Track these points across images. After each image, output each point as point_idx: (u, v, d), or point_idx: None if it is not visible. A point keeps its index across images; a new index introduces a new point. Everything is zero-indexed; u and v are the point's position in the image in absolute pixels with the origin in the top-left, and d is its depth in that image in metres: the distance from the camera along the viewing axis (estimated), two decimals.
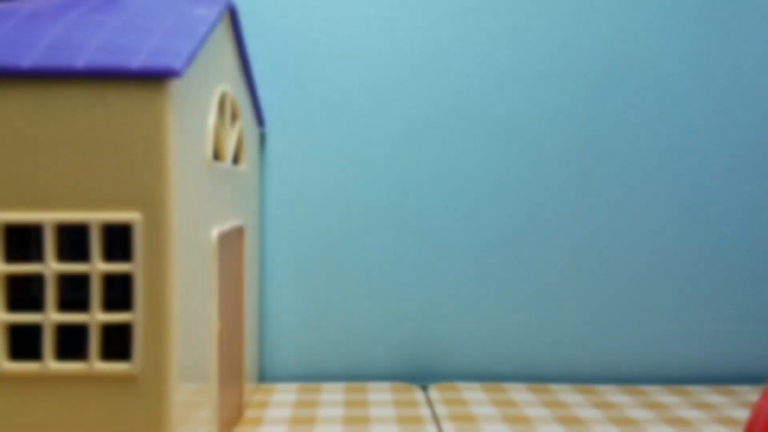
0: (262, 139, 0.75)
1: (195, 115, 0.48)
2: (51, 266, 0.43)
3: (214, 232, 0.51)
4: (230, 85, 0.58)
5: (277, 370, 0.76)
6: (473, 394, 0.71)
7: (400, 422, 0.62)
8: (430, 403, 0.68)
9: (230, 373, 0.58)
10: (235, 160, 0.62)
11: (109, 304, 0.44)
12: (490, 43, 0.76)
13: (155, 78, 0.42)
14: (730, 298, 0.77)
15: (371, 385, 0.73)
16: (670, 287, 0.77)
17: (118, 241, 0.48)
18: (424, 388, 0.73)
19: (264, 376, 0.76)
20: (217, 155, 0.54)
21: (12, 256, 0.48)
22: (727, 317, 0.77)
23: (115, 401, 0.42)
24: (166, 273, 0.42)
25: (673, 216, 0.76)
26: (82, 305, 0.43)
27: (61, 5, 0.49)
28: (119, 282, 0.51)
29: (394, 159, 0.76)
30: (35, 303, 0.44)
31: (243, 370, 0.64)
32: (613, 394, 0.71)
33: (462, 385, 0.74)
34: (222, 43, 0.56)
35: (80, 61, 0.42)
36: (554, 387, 0.73)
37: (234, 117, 0.60)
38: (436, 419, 0.63)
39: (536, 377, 0.77)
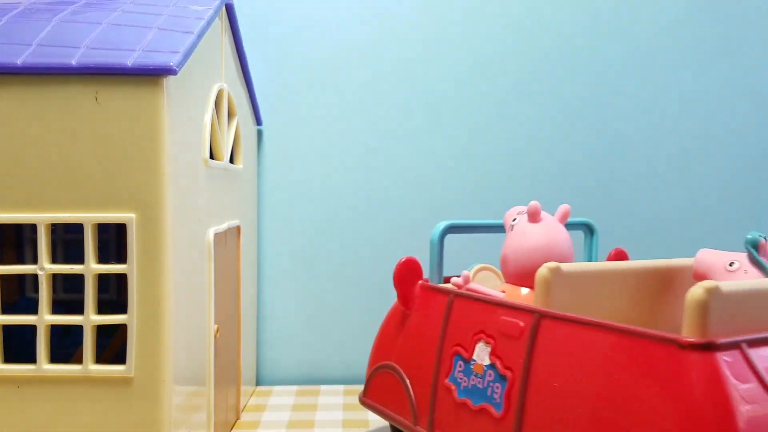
0: (259, 137, 0.74)
1: (191, 114, 0.47)
2: (45, 267, 0.42)
3: (211, 232, 0.51)
4: (227, 82, 0.57)
5: (274, 373, 0.76)
6: None
7: None
8: None
9: (227, 376, 0.58)
10: (232, 158, 0.61)
11: (109, 306, 0.43)
12: (486, 44, 0.75)
13: (150, 76, 0.41)
14: None
15: None
16: None
17: (115, 242, 0.47)
18: None
19: (261, 379, 0.76)
20: (213, 154, 0.54)
21: (6, 257, 0.47)
22: None
23: (110, 404, 0.42)
24: (161, 274, 0.42)
25: None
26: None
27: (55, 1, 0.49)
28: (115, 284, 0.51)
29: (392, 157, 0.75)
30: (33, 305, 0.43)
31: (240, 372, 0.63)
32: None
33: None
34: (218, 41, 0.55)
35: (75, 59, 0.41)
36: None
37: (230, 115, 0.60)
38: None
39: None
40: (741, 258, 0.44)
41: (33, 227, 0.42)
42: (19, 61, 0.41)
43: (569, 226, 0.54)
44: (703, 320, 0.33)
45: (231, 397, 0.60)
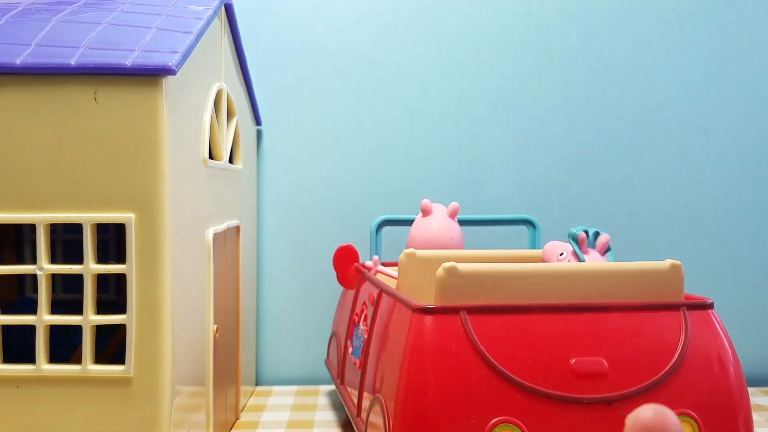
0: (259, 137, 0.74)
1: (190, 114, 0.47)
2: (44, 267, 0.42)
3: (210, 232, 0.50)
4: (226, 82, 0.57)
5: (274, 373, 0.75)
6: None
7: None
8: None
9: (226, 376, 0.57)
10: (231, 158, 0.61)
11: (109, 306, 0.43)
12: (486, 45, 0.75)
13: (149, 76, 0.41)
14: None
15: None
16: None
17: (114, 242, 0.47)
18: None
19: (261, 379, 0.75)
20: (212, 154, 0.54)
21: (5, 257, 0.47)
22: None
23: (110, 404, 0.42)
24: (160, 274, 0.41)
25: None
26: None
27: (54, 1, 0.49)
28: (115, 284, 0.51)
29: (390, 157, 0.75)
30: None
31: (239, 372, 0.63)
32: None
33: None
34: (218, 41, 0.55)
35: (73, 59, 0.41)
36: None
37: (230, 115, 0.60)
38: None
39: None
40: (569, 249, 0.51)
41: (32, 227, 0.42)
42: (17, 61, 0.41)
43: (514, 221, 0.67)
44: (440, 291, 0.41)
45: (230, 397, 0.60)
